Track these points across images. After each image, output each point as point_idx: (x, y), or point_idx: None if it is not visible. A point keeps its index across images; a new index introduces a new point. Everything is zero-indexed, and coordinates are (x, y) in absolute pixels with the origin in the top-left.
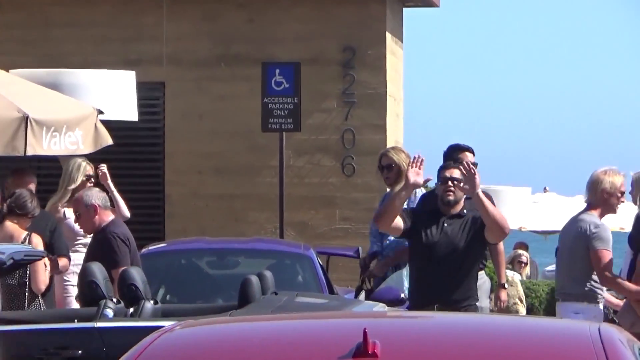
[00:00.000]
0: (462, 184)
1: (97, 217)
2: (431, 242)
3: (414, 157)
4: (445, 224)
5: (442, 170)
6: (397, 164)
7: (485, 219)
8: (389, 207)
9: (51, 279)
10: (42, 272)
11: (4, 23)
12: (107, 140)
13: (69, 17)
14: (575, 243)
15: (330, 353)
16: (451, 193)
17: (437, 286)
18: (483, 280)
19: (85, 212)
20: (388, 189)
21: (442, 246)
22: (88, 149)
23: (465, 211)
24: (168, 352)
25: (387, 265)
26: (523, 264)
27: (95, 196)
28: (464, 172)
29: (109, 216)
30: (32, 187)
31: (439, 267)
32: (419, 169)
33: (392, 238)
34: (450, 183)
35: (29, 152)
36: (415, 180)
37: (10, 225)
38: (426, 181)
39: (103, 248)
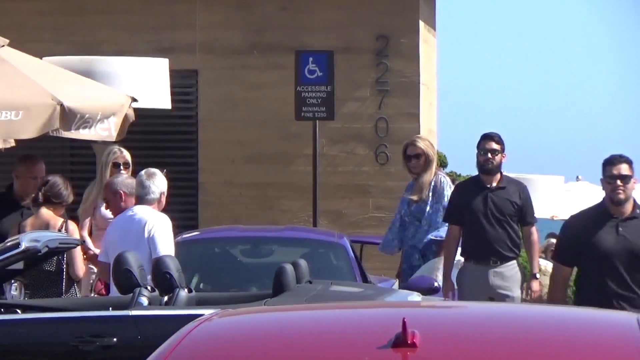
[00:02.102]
0: None
1: (122, 203)
2: (607, 248)
3: None
4: (621, 228)
5: (608, 165)
6: (425, 152)
7: None
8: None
9: None
10: (80, 259)
11: (38, 10)
12: (132, 118)
13: (103, 5)
14: None
15: (369, 343)
16: (621, 191)
17: (609, 292)
18: (515, 270)
19: (112, 199)
20: (411, 179)
21: (620, 253)
22: (119, 137)
23: (638, 211)
24: (207, 341)
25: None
26: None
27: (121, 183)
28: None
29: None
30: (43, 174)
31: (613, 273)
32: None
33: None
34: (619, 182)
35: (53, 133)
36: None
37: (46, 212)
38: None
39: None
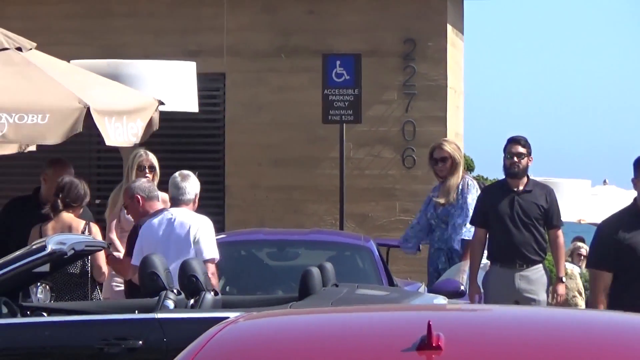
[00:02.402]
0: None
1: (141, 208)
2: None
3: None
4: None
5: None
6: (452, 155)
7: None
8: None
9: None
10: (104, 262)
11: (65, 14)
12: (156, 125)
13: (129, 8)
14: None
15: (394, 346)
16: None
17: None
18: (540, 273)
19: (130, 203)
20: (437, 182)
21: None
22: (142, 139)
23: None
24: (232, 344)
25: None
26: (582, 257)
27: (139, 187)
28: None
29: (154, 207)
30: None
31: None
32: None
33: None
34: None
35: (110, 143)
36: None
37: (67, 216)
38: None
39: (129, 236)
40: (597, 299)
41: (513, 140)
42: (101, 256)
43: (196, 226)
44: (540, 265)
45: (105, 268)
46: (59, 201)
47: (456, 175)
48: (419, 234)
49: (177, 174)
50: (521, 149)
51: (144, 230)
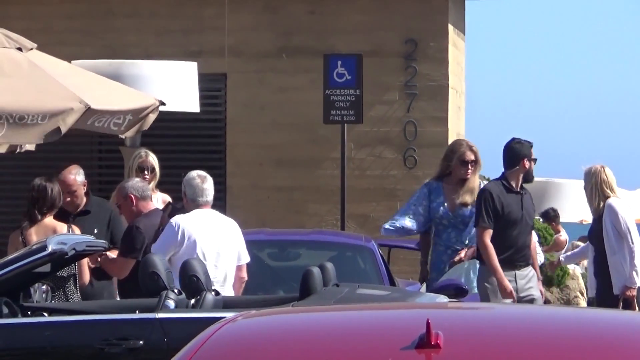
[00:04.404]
0: None
1: (134, 207)
2: None
3: None
4: None
5: None
6: (479, 158)
7: None
8: None
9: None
10: (86, 266)
11: (66, 14)
12: (147, 125)
13: (131, 8)
14: None
15: (393, 344)
16: None
17: None
18: (533, 272)
19: (123, 203)
20: (431, 179)
21: None
22: (129, 134)
23: None
24: (230, 342)
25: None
26: None
27: (132, 187)
28: None
29: (148, 207)
30: (72, 187)
31: None
32: None
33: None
34: None
35: (64, 130)
36: None
37: (48, 220)
38: None
39: (123, 236)
40: None
41: (531, 145)
42: (85, 261)
43: (236, 229)
44: (531, 265)
45: (87, 272)
46: (36, 212)
47: (476, 176)
48: (423, 223)
49: (195, 175)
50: None
51: (187, 226)
